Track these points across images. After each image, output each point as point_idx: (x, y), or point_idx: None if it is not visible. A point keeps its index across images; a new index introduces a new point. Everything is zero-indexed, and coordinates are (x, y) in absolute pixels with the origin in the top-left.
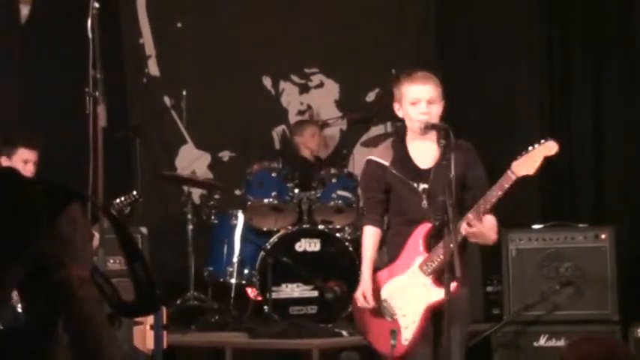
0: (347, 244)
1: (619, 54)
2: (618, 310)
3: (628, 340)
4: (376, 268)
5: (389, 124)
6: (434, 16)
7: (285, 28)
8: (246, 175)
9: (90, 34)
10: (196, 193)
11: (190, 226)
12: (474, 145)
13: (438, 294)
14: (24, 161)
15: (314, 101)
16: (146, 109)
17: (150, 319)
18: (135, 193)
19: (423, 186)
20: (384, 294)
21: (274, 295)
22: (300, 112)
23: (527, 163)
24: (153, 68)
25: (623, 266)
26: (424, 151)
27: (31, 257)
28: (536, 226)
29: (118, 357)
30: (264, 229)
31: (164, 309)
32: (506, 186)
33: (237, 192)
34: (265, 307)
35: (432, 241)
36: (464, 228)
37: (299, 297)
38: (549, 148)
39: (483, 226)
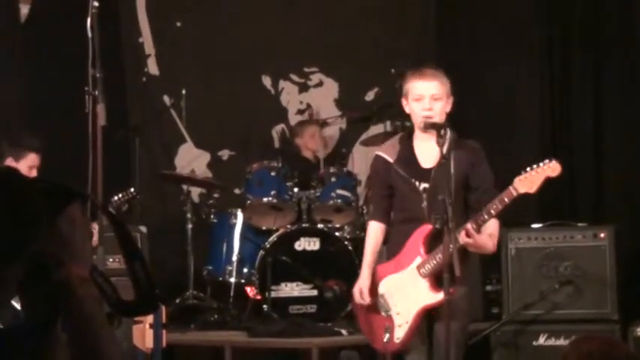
0: (346, 243)
1: (619, 54)
2: (617, 309)
3: (627, 339)
4: (376, 263)
5: (388, 123)
6: (434, 15)
7: (285, 28)
8: (245, 174)
9: (89, 34)
10: (195, 192)
11: (190, 225)
12: None
13: (432, 298)
14: (30, 167)
15: (313, 100)
16: (145, 108)
17: (149, 318)
18: (132, 190)
19: (424, 185)
20: (381, 289)
21: (273, 294)
22: (300, 111)
23: (529, 182)
24: (152, 67)
25: (623, 265)
26: (428, 150)
27: (30, 257)
28: (535, 225)
29: (117, 356)
30: (264, 228)
31: (163, 308)
32: (507, 201)
33: (237, 191)
34: (264, 306)
35: (432, 243)
36: (462, 238)
37: (298, 296)
38: (553, 169)
39: (481, 238)
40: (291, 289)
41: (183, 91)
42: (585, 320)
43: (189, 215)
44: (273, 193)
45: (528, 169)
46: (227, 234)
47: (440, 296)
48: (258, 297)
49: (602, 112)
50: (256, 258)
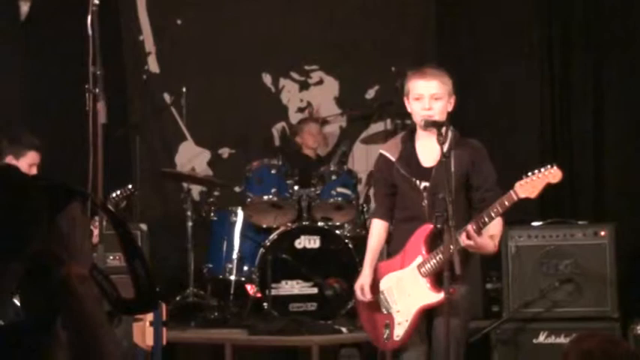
0: (346, 241)
1: (619, 54)
2: (618, 307)
3: (627, 337)
4: (378, 261)
5: (388, 121)
6: (434, 13)
7: (285, 25)
8: (245, 172)
9: (90, 31)
10: (196, 190)
11: (190, 223)
12: None
13: (432, 297)
14: (30, 165)
15: (314, 98)
16: (146, 106)
17: (149, 316)
18: (130, 186)
19: (424, 184)
20: (382, 286)
21: (274, 292)
22: (300, 109)
23: (530, 187)
24: (153, 65)
25: (623, 263)
26: (430, 149)
27: (30, 254)
28: (535, 223)
29: (117, 355)
30: (264, 225)
31: (164, 306)
32: (507, 204)
33: (237, 189)
34: (265, 304)
35: (433, 242)
36: (462, 239)
37: (298, 294)
38: (554, 175)
39: (482, 239)
40: (291, 287)
41: (184, 89)
42: (585, 318)
43: (189, 213)
44: (273, 191)
45: (530, 173)
46: (227, 232)
47: (440, 296)
48: (259, 295)
49: (602, 111)
50: (256, 256)
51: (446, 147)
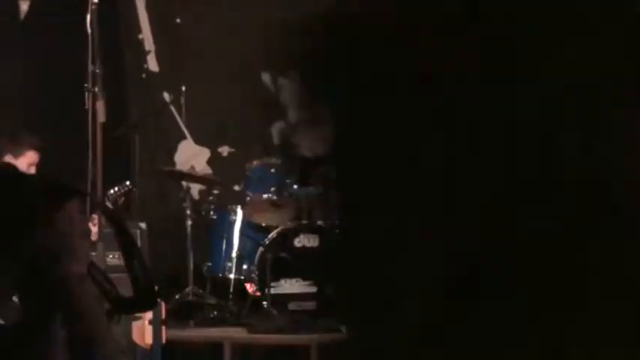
0: None
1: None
2: None
3: None
4: None
5: None
6: None
7: (285, 24)
8: (245, 170)
9: (89, 30)
10: (195, 189)
11: (189, 222)
12: None
13: None
14: (29, 164)
15: None
16: (145, 104)
17: (149, 315)
18: (128, 183)
19: None
20: None
21: (273, 291)
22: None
23: None
24: (152, 64)
25: None
26: None
27: (28, 253)
28: None
29: (116, 353)
30: (263, 224)
31: (163, 304)
32: None
33: (236, 187)
34: (264, 303)
35: None
36: None
37: (298, 292)
38: None
39: None
40: (290, 286)
41: (183, 88)
42: None
43: (188, 212)
44: (272, 189)
45: None
46: (227, 230)
47: None
48: (258, 293)
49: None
50: (256, 254)
51: None
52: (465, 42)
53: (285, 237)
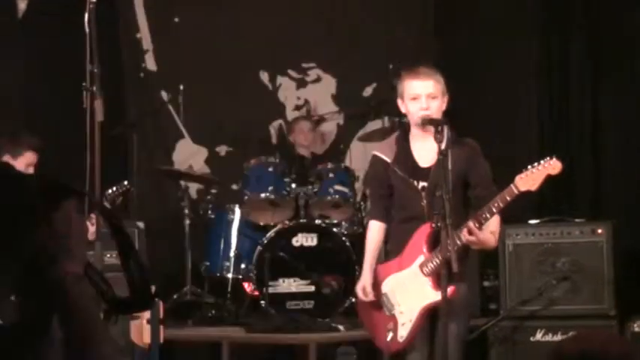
0: (344, 239)
1: (618, 51)
2: (615, 305)
3: (624, 334)
4: (378, 262)
5: (386, 119)
6: (433, 11)
7: (283, 23)
8: (243, 169)
9: (87, 29)
10: (193, 188)
11: (187, 221)
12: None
13: (435, 296)
14: (27, 165)
15: (311, 96)
16: (143, 103)
17: (147, 314)
18: (126, 183)
19: (422, 184)
20: (384, 288)
21: (271, 290)
22: (298, 107)
23: (530, 180)
24: (150, 63)
25: (620, 261)
26: (426, 149)
27: (25, 252)
28: (533, 221)
29: (112, 353)
30: (261, 223)
31: (161, 303)
32: (509, 199)
33: (234, 187)
34: (262, 302)
35: (434, 241)
36: (464, 235)
37: (296, 292)
38: (553, 167)
39: (484, 234)
40: (288, 285)
41: (181, 87)
42: (583, 316)
43: (186, 211)
44: (270, 188)
45: (529, 167)
46: (225, 230)
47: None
48: (256, 293)
49: (600, 108)
50: (254, 254)
51: (443, 145)
52: None
53: (283, 236)
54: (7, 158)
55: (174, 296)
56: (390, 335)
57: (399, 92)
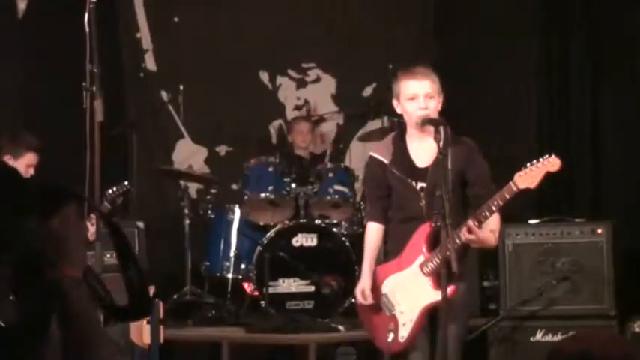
0: (344, 238)
1: (618, 51)
2: (615, 305)
3: (624, 334)
4: (378, 262)
5: (386, 118)
6: (432, 11)
7: (283, 23)
8: (243, 169)
9: (87, 29)
10: (193, 188)
11: (187, 221)
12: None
13: (436, 295)
14: (28, 166)
15: (311, 96)
16: (143, 103)
17: None
18: (126, 183)
19: (421, 184)
20: (385, 289)
21: (271, 290)
22: (297, 107)
23: (529, 177)
24: (150, 62)
25: (620, 261)
26: (423, 150)
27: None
28: (532, 221)
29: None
30: (261, 223)
31: (161, 304)
32: (508, 197)
33: (234, 187)
34: (262, 302)
35: (434, 241)
36: (464, 234)
37: (296, 292)
38: (552, 164)
39: (483, 233)
40: (288, 285)
41: (181, 87)
42: (582, 316)
43: (186, 211)
44: (270, 188)
45: (528, 164)
46: (224, 230)
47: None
48: (256, 293)
49: (600, 108)
50: (254, 254)
51: (441, 145)
52: None
53: (283, 236)
54: (7, 159)
55: (174, 296)
56: (391, 336)
57: (394, 92)
